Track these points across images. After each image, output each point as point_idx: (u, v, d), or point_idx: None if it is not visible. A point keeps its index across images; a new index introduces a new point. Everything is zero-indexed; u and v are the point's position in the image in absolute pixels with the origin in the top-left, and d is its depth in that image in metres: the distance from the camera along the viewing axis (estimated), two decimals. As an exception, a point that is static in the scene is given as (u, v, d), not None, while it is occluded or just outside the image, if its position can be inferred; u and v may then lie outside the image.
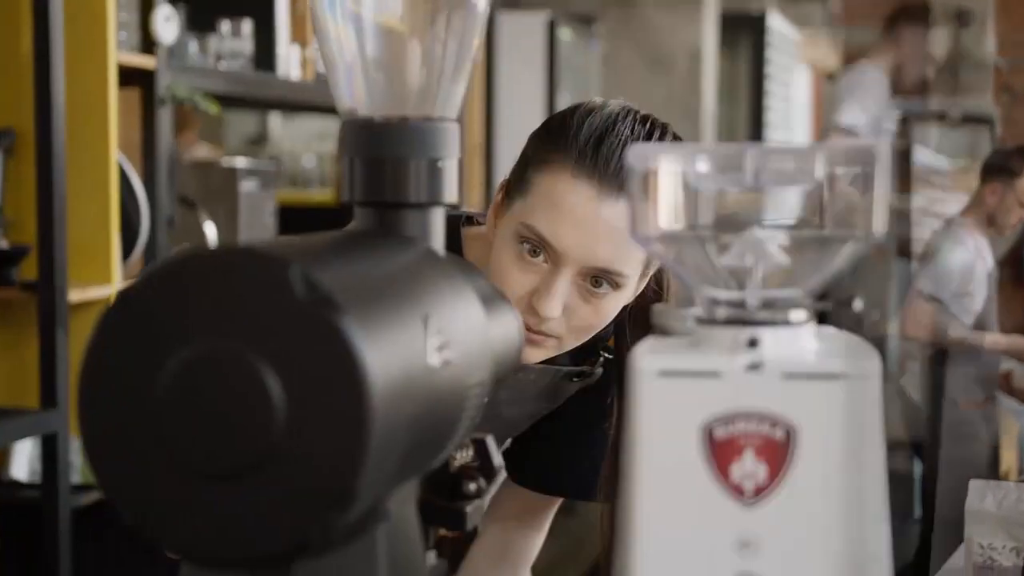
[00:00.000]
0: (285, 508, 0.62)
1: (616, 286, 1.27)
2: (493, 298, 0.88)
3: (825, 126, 4.54)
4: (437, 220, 0.84)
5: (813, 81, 9.64)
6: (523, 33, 4.99)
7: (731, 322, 0.71)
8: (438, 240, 0.84)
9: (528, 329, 1.27)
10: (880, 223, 0.70)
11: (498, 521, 1.49)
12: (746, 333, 0.70)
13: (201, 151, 4.01)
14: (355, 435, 0.61)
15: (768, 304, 0.72)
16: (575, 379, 1.42)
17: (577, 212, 1.23)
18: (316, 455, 0.61)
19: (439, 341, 0.71)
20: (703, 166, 0.71)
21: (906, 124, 4.63)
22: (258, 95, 3.18)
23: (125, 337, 0.63)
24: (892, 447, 4.43)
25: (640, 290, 1.35)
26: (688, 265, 0.74)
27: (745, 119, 7.54)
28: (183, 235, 2.85)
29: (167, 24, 2.64)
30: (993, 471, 4.33)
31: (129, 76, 2.64)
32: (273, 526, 0.62)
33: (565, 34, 5.01)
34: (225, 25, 3.03)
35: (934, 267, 4.28)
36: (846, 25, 10.33)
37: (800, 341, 0.71)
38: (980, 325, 4.31)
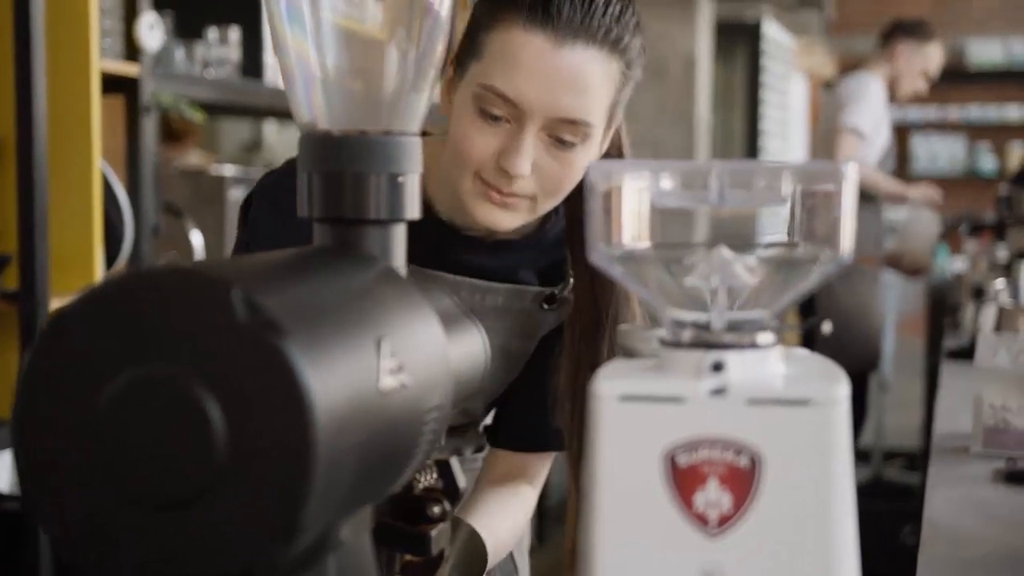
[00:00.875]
0: (227, 539, 0.59)
1: (583, 137, 1.24)
2: (455, 316, 0.86)
3: (824, 128, 4.56)
4: (398, 236, 0.81)
5: (809, 89, 9.63)
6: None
7: (696, 345, 0.69)
8: (399, 257, 0.81)
9: (499, 192, 1.26)
10: (848, 244, 0.67)
11: (489, 483, 1.45)
12: (711, 357, 0.67)
13: (194, 158, 3.99)
14: (299, 464, 0.59)
15: (734, 326, 0.69)
16: (545, 306, 1.40)
17: (534, 63, 1.21)
18: (258, 485, 0.59)
19: (393, 364, 0.68)
20: (667, 184, 0.69)
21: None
22: (245, 103, 3.16)
23: (62, 360, 0.61)
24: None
25: (605, 148, 1.33)
26: (651, 285, 0.71)
27: (741, 127, 7.52)
28: (168, 243, 2.83)
29: (151, 32, 2.62)
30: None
31: (113, 83, 2.61)
32: (215, 558, 0.60)
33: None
34: (212, 32, 3.01)
35: (856, 103, 4.43)
36: (842, 34, 10.33)
37: (767, 365, 0.68)
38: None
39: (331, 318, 0.65)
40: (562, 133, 1.24)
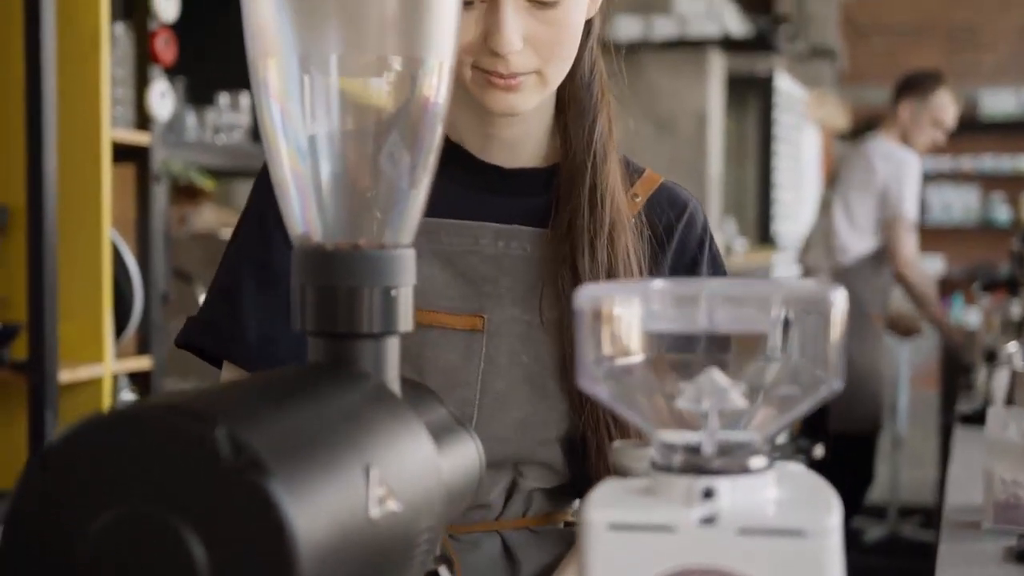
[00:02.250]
0: None
1: None
2: (449, 428, 0.85)
3: (881, 216, 4.54)
4: (391, 350, 0.81)
5: (822, 140, 9.64)
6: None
7: (686, 470, 0.68)
8: (392, 370, 0.81)
9: (500, 76, 1.18)
10: (837, 372, 0.67)
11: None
12: (701, 483, 0.67)
13: (209, 213, 4.00)
14: (283, 604, 0.58)
15: (725, 449, 0.69)
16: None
17: None
18: (243, 625, 0.58)
19: (383, 491, 0.68)
20: (656, 307, 0.69)
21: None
22: (256, 167, 3.17)
23: (47, 499, 0.61)
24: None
25: None
26: (641, 406, 0.71)
27: (753, 179, 7.53)
28: (178, 309, 2.83)
29: (162, 100, 2.63)
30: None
31: (124, 152, 2.63)
32: None
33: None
34: (223, 98, 3.03)
35: (906, 187, 4.40)
36: (854, 84, 10.36)
37: (759, 491, 0.68)
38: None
39: (318, 449, 0.64)
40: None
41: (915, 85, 4.58)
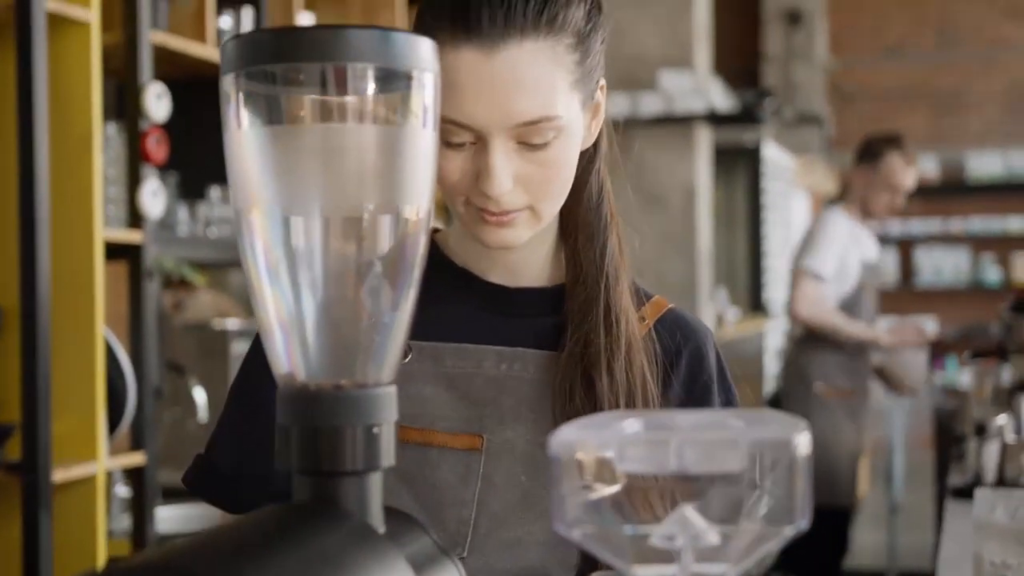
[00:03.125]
0: None
1: (555, 132, 1.16)
2: (433, 558, 0.87)
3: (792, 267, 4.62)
4: (375, 485, 0.83)
5: (812, 205, 9.72)
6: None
7: (661, 608, 0.70)
8: (375, 505, 0.83)
9: (491, 214, 1.18)
10: (803, 513, 0.69)
11: None
12: (675, 622, 0.69)
13: (205, 300, 4.03)
14: None
15: (699, 586, 0.71)
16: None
17: (471, 80, 1.13)
18: None
19: (365, 635, 0.70)
20: (629, 449, 0.71)
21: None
22: (247, 259, 3.19)
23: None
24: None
25: (599, 121, 1.26)
26: (615, 543, 0.73)
27: (744, 248, 7.58)
28: (172, 402, 2.85)
29: (154, 199, 2.67)
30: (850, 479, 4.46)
31: (116, 250, 2.66)
32: None
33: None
34: (215, 192, 3.07)
35: (816, 243, 4.44)
36: (842, 149, 10.46)
37: (731, 628, 0.70)
38: (847, 312, 4.52)
39: (301, 601, 0.66)
40: (529, 137, 1.15)
41: (867, 152, 4.64)
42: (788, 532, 0.71)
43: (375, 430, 0.82)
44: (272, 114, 0.82)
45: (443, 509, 1.20)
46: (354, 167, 0.82)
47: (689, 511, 0.72)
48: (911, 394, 5.03)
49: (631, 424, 0.74)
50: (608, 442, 0.71)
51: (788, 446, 0.69)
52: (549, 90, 1.15)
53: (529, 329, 1.28)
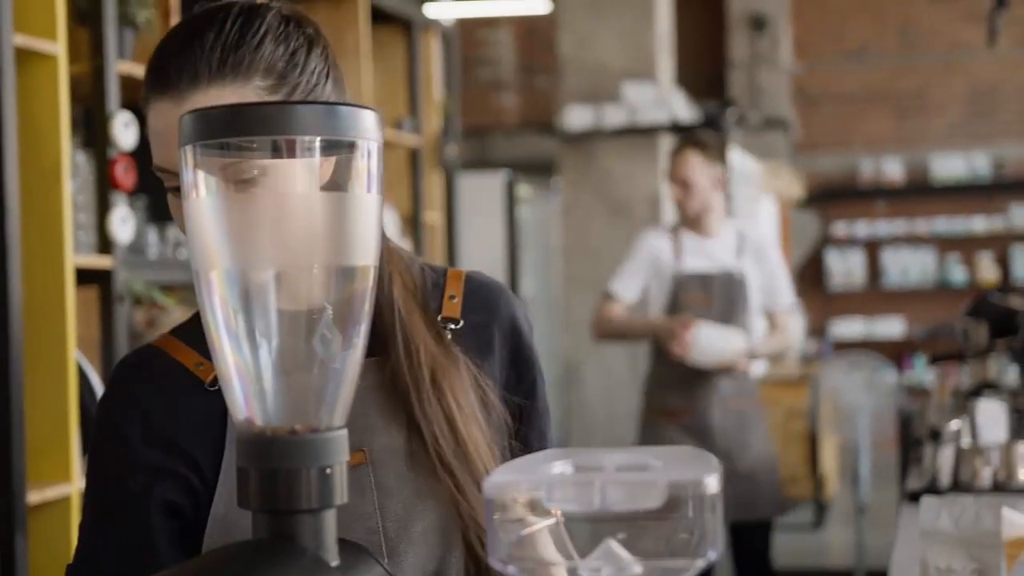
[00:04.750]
0: None
1: (261, 169, 1.13)
2: (385, 588, 0.94)
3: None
4: (329, 521, 0.90)
5: (780, 209, 9.83)
6: (483, 191, 5.13)
7: (586, 634, 0.77)
8: (330, 539, 0.90)
9: None
10: (714, 544, 0.76)
11: None
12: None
13: (178, 318, 4.07)
14: None
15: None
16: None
17: (166, 127, 1.20)
18: None
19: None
20: (557, 493, 0.78)
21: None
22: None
23: None
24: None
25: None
26: (548, 577, 0.80)
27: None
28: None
29: (123, 225, 2.73)
30: None
31: (87, 275, 2.72)
32: None
33: (524, 190, 5.14)
34: (183, 214, 3.13)
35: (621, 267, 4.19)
36: (808, 153, 10.58)
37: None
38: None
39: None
40: (237, 176, 1.09)
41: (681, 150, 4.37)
42: (701, 563, 0.78)
43: (328, 471, 0.89)
44: (225, 183, 0.89)
45: (351, 526, 1.25)
46: (304, 229, 0.89)
47: (614, 544, 0.79)
48: (681, 354, 4.16)
49: (559, 465, 0.81)
50: (538, 484, 0.78)
51: (700, 485, 0.76)
52: None
53: None
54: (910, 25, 10.47)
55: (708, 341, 3.99)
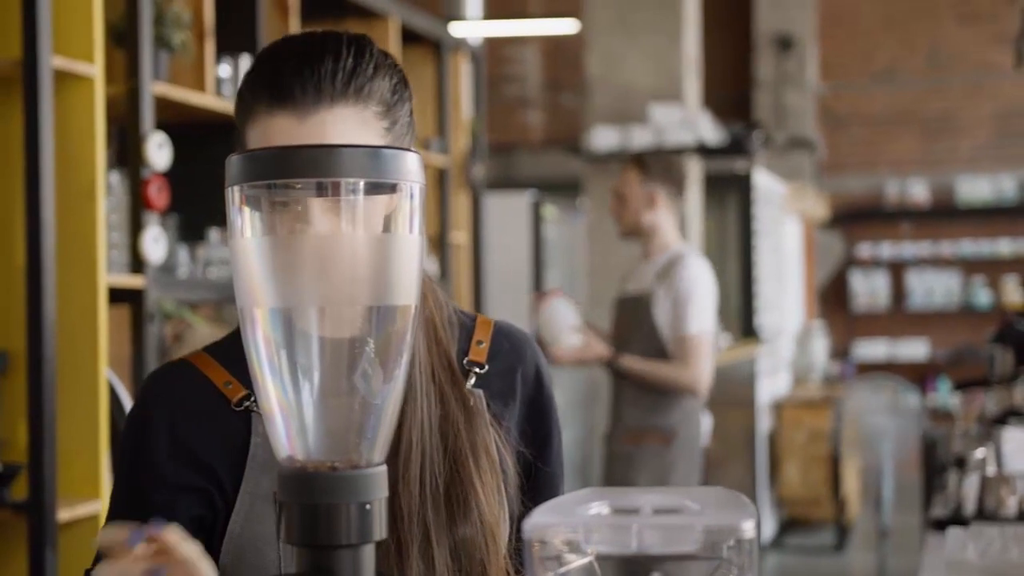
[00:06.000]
0: None
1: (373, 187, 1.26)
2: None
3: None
4: (368, 556, 0.92)
5: (804, 230, 9.81)
6: (509, 210, 5.15)
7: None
8: (368, 574, 0.92)
9: None
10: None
11: None
12: None
13: (205, 333, 4.09)
14: None
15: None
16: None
17: (284, 141, 1.21)
18: None
19: None
20: (595, 535, 0.80)
21: None
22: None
23: None
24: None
25: None
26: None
27: (735, 275, 7.67)
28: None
29: (155, 244, 2.76)
30: None
31: (119, 294, 2.75)
32: None
33: (549, 211, 5.16)
34: (214, 234, 3.15)
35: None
36: (834, 174, 10.56)
37: None
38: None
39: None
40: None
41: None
42: (735, 605, 0.79)
43: (368, 507, 0.91)
44: (272, 224, 0.91)
45: None
46: (347, 270, 0.91)
47: (653, 582, 0.80)
48: (557, 359, 4.03)
49: (596, 506, 0.82)
50: (575, 526, 0.80)
51: (738, 530, 0.77)
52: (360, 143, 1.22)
53: None
54: (938, 47, 10.45)
55: (550, 314, 3.93)
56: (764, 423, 7.48)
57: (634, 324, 4.02)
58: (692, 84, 5.83)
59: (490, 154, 6.18)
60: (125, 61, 2.82)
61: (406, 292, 0.92)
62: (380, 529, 0.92)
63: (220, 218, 3.13)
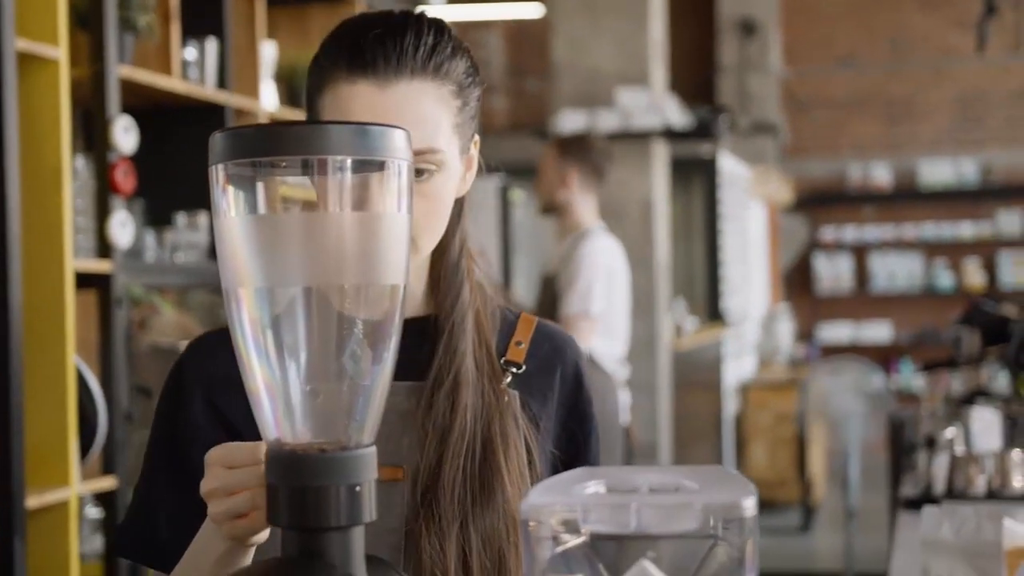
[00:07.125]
0: None
1: (438, 165, 1.24)
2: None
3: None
4: (357, 539, 0.90)
5: (768, 214, 9.85)
6: (476, 195, 5.11)
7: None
8: (357, 556, 0.90)
9: None
10: (752, 569, 0.77)
11: None
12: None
13: (169, 318, 4.05)
14: None
15: (654, 634, 0.79)
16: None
17: (364, 109, 1.22)
18: None
19: None
20: (593, 514, 0.79)
21: None
22: (214, 284, 3.27)
23: None
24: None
25: (472, 170, 1.33)
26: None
27: (701, 258, 7.69)
28: (141, 425, 2.90)
29: (123, 229, 2.72)
30: None
31: (86, 279, 2.71)
32: None
33: (517, 195, 5.15)
34: (181, 218, 3.12)
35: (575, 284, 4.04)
36: (797, 158, 10.60)
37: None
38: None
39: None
40: (416, 170, 1.21)
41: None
42: (733, 584, 0.78)
43: (357, 488, 0.89)
44: (257, 202, 0.89)
45: (375, 541, 1.24)
46: (334, 249, 0.89)
47: (648, 564, 0.79)
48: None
49: (593, 485, 0.81)
50: (573, 505, 0.79)
51: (738, 508, 0.77)
52: (434, 125, 1.24)
53: (407, 360, 1.23)
54: (899, 32, 10.50)
55: None
56: (730, 406, 7.51)
57: (547, 303, 4.10)
58: (658, 68, 5.82)
59: (455, 139, 6.12)
60: (90, 44, 2.77)
61: (394, 271, 0.91)
62: (370, 511, 0.90)
63: (187, 202, 3.10)
